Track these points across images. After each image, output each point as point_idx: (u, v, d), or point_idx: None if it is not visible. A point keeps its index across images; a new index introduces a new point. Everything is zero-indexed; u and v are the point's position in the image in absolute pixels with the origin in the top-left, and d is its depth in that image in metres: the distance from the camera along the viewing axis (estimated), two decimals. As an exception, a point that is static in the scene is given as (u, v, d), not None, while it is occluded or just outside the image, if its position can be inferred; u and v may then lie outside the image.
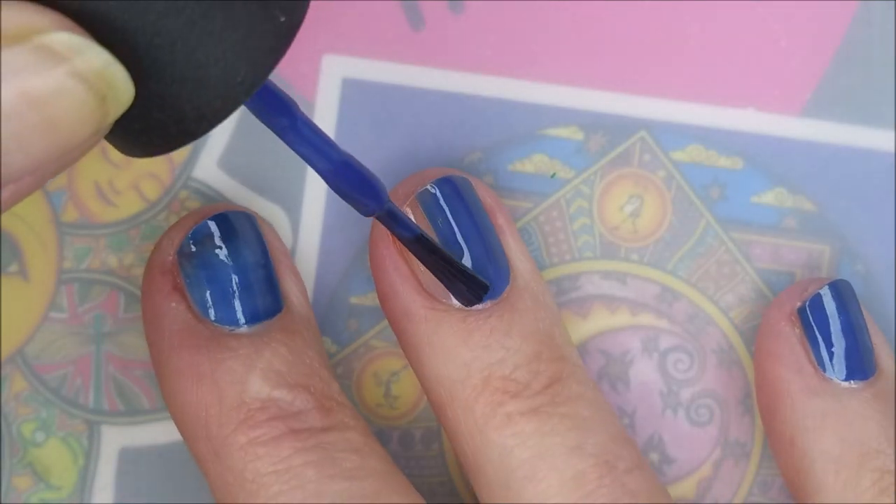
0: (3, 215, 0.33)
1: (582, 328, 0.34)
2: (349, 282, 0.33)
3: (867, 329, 0.32)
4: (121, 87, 0.24)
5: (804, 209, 0.34)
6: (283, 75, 0.33)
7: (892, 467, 0.31)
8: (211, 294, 0.31)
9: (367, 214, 0.28)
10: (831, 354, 0.32)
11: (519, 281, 0.31)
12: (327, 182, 0.27)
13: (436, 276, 0.30)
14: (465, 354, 0.30)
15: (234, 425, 0.30)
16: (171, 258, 0.31)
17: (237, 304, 0.31)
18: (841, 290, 0.32)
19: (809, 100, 0.34)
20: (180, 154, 0.33)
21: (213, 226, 0.31)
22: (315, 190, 0.33)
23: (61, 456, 0.34)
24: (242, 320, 0.31)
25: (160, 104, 0.24)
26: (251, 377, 0.30)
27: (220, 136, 0.33)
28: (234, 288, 0.31)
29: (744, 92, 0.33)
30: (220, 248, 0.31)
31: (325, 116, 0.33)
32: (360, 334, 0.34)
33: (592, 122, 0.33)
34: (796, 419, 0.32)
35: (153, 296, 0.31)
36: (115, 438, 0.33)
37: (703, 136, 0.34)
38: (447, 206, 0.31)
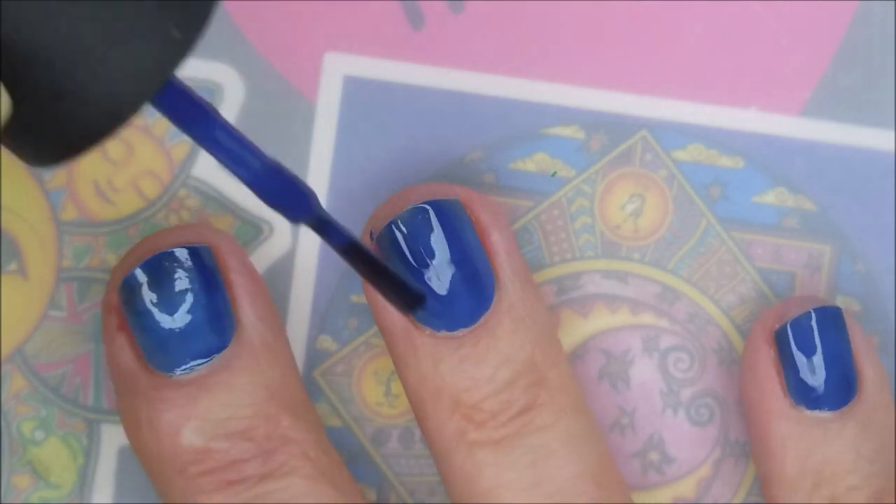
0: (3, 214, 0.33)
1: (583, 327, 0.34)
2: (349, 280, 0.33)
3: (845, 358, 0.32)
4: None
5: (805, 209, 0.34)
6: (285, 72, 0.33)
7: (844, 494, 0.31)
8: (144, 342, 0.30)
9: (295, 223, 0.27)
10: (799, 382, 0.32)
11: (503, 304, 0.31)
12: (251, 190, 0.26)
13: (371, 284, 0.29)
14: (436, 379, 0.31)
15: (172, 473, 0.30)
16: (115, 299, 0.31)
17: (171, 352, 0.30)
18: (822, 318, 0.32)
19: (809, 100, 0.34)
20: (180, 152, 0.33)
21: (142, 274, 0.30)
22: (316, 189, 0.33)
23: (61, 454, 0.33)
24: (178, 368, 0.30)
25: (42, 119, 0.24)
26: (185, 429, 0.30)
27: (219, 135, 0.33)
28: (168, 336, 0.30)
29: (744, 91, 0.33)
30: (151, 297, 0.30)
31: (326, 114, 0.33)
32: (360, 332, 0.34)
33: (594, 121, 0.33)
34: (762, 439, 0.32)
35: (104, 331, 0.31)
36: (115, 437, 0.33)
37: (704, 136, 0.34)
38: (413, 238, 0.31)
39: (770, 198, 0.34)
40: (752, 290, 0.34)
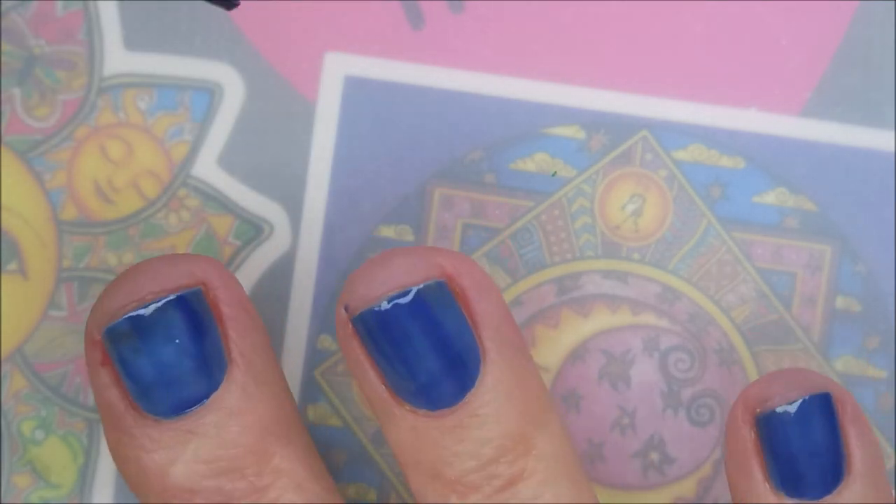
0: (3, 214, 0.33)
1: (583, 327, 0.34)
2: (350, 280, 0.33)
3: (831, 448, 0.31)
4: None
5: (805, 209, 0.34)
6: (285, 72, 0.33)
7: None
8: (129, 386, 0.29)
9: (228, 8, 0.26)
10: (781, 471, 0.31)
11: (488, 380, 0.29)
12: None
13: None
14: (414, 452, 0.30)
15: None
16: (98, 337, 0.30)
17: (158, 400, 0.29)
18: (807, 409, 0.31)
19: (809, 100, 0.34)
20: (180, 152, 0.33)
21: (128, 326, 0.29)
22: (316, 189, 0.33)
23: (61, 454, 0.33)
24: (165, 413, 0.29)
25: None
26: (174, 469, 0.29)
27: (219, 134, 0.33)
28: (153, 385, 0.29)
29: (745, 91, 0.33)
30: (135, 348, 0.29)
31: (326, 114, 0.33)
32: (360, 333, 0.34)
33: (594, 121, 0.33)
34: None
35: (88, 362, 0.30)
36: (115, 437, 0.33)
37: (705, 136, 0.34)
38: (389, 333, 0.29)
39: (770, 198, 0.34)
40: (752, 290, 0.34)
